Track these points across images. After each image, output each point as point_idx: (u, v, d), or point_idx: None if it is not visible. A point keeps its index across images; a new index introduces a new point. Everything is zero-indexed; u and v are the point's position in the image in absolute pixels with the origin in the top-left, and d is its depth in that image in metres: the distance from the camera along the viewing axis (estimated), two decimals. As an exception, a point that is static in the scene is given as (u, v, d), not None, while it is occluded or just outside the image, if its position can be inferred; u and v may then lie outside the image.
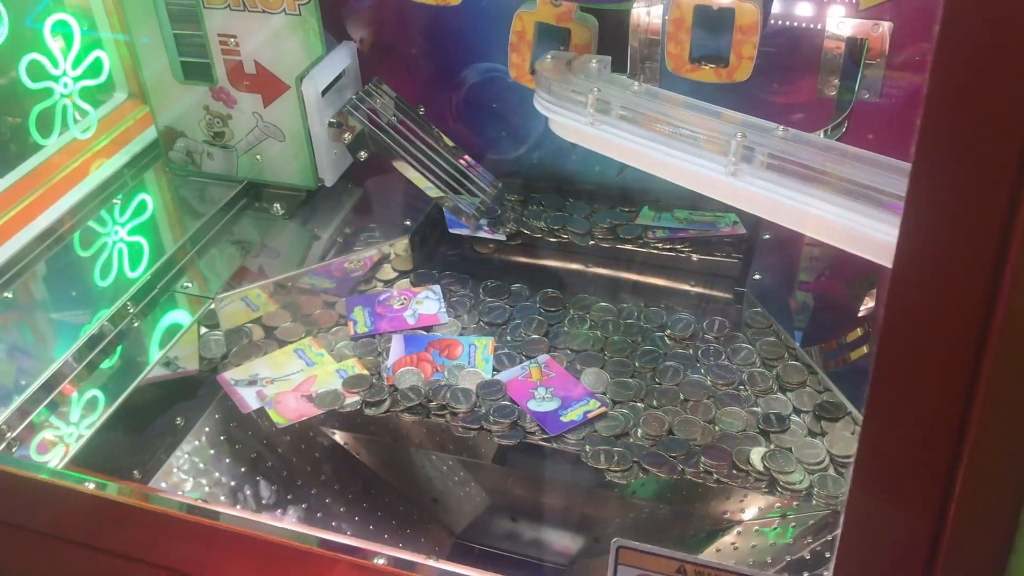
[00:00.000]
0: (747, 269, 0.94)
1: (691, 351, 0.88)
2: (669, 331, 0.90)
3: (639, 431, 0.80)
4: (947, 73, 0.37)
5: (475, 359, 0.85)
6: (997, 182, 0.38)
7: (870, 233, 0.62)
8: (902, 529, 0.46)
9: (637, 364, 0.86)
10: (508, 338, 0.89)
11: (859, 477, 0.46)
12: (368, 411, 0.82)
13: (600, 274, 0.98)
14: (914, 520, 0.45)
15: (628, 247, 0.98)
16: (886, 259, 0.64)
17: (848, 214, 0.62)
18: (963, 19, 0.36)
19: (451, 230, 0.98)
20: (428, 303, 0.92)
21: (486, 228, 0.99)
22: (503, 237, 0.99)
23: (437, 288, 0.94)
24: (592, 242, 0.98)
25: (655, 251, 0.97)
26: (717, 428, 0.80)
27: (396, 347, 0.87)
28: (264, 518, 0.72)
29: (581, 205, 1.02)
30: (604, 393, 0.83)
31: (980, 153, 0.38)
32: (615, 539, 0.52)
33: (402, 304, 0.93)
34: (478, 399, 0.82)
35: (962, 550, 0.46)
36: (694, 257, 0.97)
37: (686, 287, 0.95)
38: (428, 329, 0.90)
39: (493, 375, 0.84)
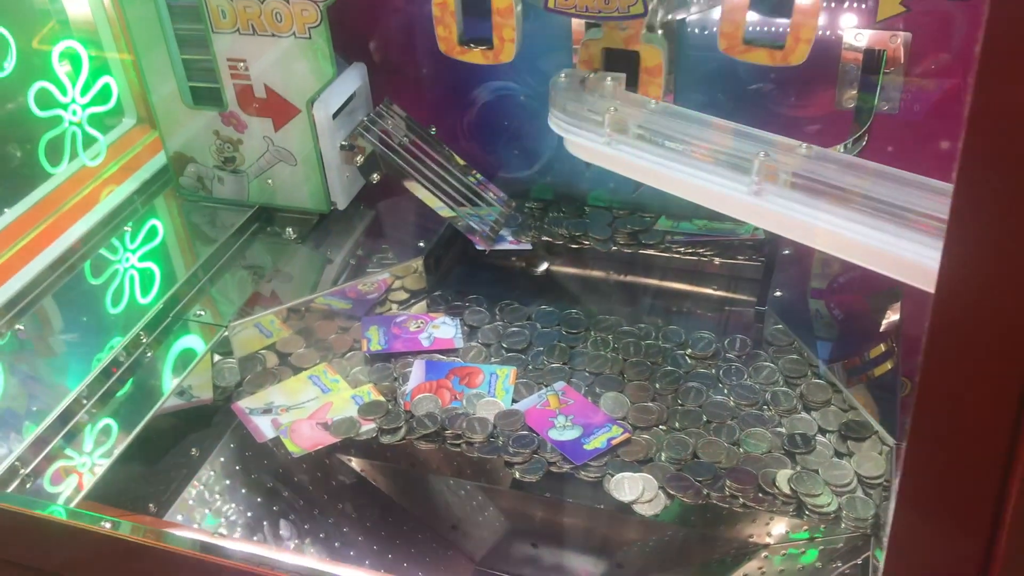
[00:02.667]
0: (767, 284, 0.92)
1: (712, 370, 0.86)
2: (690, 350, 0.88)
3: (663, 455, 0.78)
4: (990, 92, 0.36)
5: (495, 388, 0.84)
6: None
7: (898, 252, 0.60)
8: (950, 555, 0.45)
9: (658, 386, 0.85)
10: (530, 366, 0.88)
11: (904, 502, 0.45)
12: (384, 439, 0.81)
13: (622, 280, 0.98)
14: (963, 546, 0.44)
15: (650, 252, 0.98)
16: (914, 278, 0.63)
17: (875, 233, 0.61)
18: (1007, 33, 0.35)
19: (477, 246, 0.97)
20: (444, 328, 0.91)
21: (510, 239, 0.98)
22: (529, 246, 0.99)
23: (455, 319, 0.93)
24: (614, 247, 0.98)
25: (677, 255, 0.98)
26: (742, 450, 0.79)
27: (417, 372, 0.86)
28: (281, 553, 0.71)
29: (602, 212, 1.02)
30: (624, 418, 0.81)
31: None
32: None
33: (418, 327, 0.92)
34: (495, 429, 0.80)
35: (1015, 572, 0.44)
36: (716, 261, 0.97)
37: (709, 291, 0.95)
38: (445, 354, 0.89)
39: (512, 405, 0.83)
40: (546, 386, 0.85)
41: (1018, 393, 0.40)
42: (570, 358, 0.88)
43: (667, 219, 1.00)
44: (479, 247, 0.96)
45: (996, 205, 0.37)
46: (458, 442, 0.80)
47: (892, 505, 0.69)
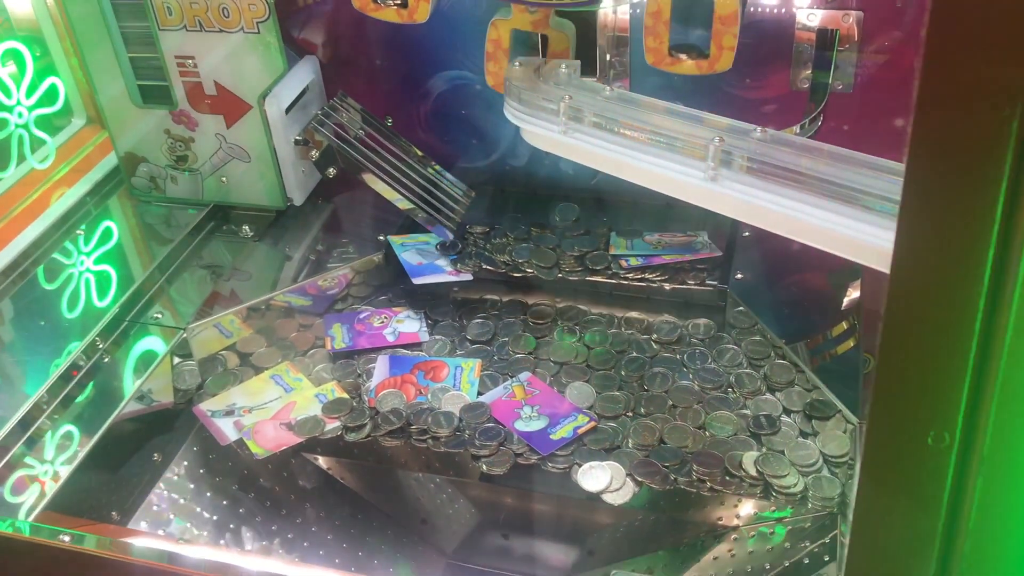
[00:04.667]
0: (727, 274, 0.92)
1: (677, 355, 0.86)
2: (655, 335, 0.88)
3: (629, 442, 0.78)
4: (936, 70, 0.36)
5: (460, 381, 0.83)
6: (991, 180, 0.37)
7: (852, 234, 0.60)
8: (913, 532, 0.45)
9: (623, 373, 0.85)
10: (495, 357, 0.87)
11: (866, 480, 0.45)
12: (348, 436, 0.80)
13: (568, 307, 0.92)
14: (924, 523, 0.44)
15: (597, 279, 0.92)
16: (869, 259, 0.63)
17: (830, 216, 0.61)
18: (953, 15, 0.35)
19: (415, 280, 0.92)
20: (409, 322, 0.90)
21: (448, 270, 0.93)
22: (470, 277, 0.93)
23: (419, 313, 0.92)
24: (559, 275, 0.92)
25: (625, 281, 0.91)
26: (708, 433, 0.79)
27: (381, 368, 0.85)
28: (248, 558, 0.70)
29: (547, 235, 0.96)
30: (591, 407, 0.81)
31: (973, 153, 0.36)
32: (614, 572, 0.50)
33: (382, 322, 0.91)
34: (461, 422, 0.80)
35: (977, 544, 0.45)
36: (667, 287, 0.91)
37: (659, 319, 0.91)
38: (410, 348, 0.88)
39: (478, 397, 0.82)
40: (512, 377, 0.84)
41: (973, 369, 0.40)
42: (535, 348, 0.88)
43: (619, 236, 0.95)
44: (421, 279, 0.93)
45: (946, 185, 0.37)
46: (424, 437, 0.79)
47: (855, 484, 0.70)
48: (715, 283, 0.90)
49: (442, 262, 0.94)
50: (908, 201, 0.38)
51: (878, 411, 0.43)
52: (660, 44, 0.81)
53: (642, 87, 0.87)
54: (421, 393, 0.83)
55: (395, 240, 0.96)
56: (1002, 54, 0.34)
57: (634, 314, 0.91)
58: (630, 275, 0.91)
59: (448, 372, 0.84)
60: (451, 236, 0.96)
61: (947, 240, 0.38)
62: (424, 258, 0.95)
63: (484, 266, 0.94)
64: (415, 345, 0.88)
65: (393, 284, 0.96)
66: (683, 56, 0.82)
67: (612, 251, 0.94)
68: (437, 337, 0.89)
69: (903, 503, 0.45)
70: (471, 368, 0.85)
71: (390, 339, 0.89)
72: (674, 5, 0.80)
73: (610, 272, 0.92)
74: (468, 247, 0.96)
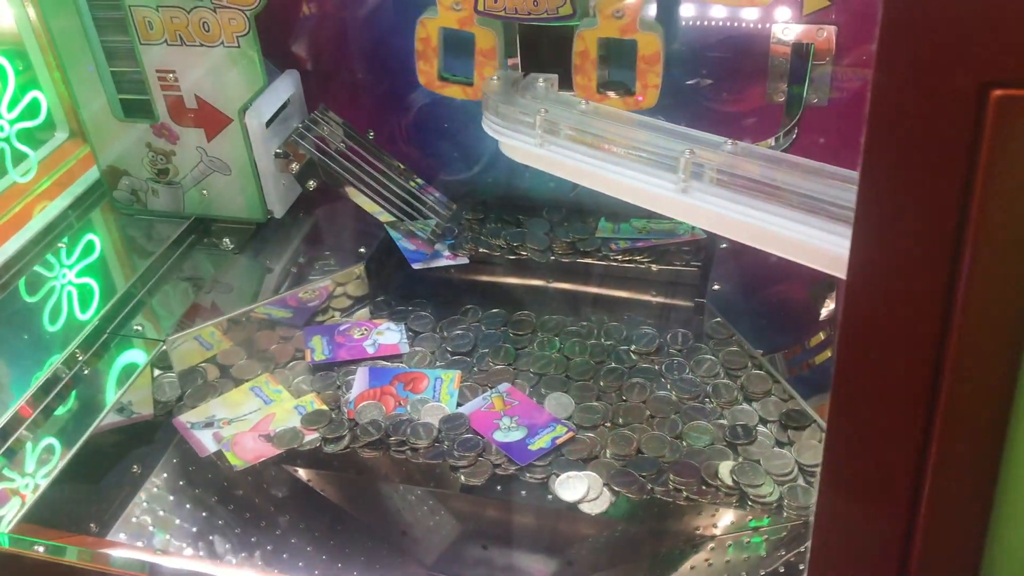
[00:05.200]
0: (706, 279, 0.93)
1: (655, 366, 0.87)
2: (634, 346, 0.89)
3: (607, 452, 0.79)
4: (889, 76, 0.36)
5: (440, 393, 0.84)
6: (946, 187, 0.37)
7: (822, 245, 0.61)
8: (873, 533, 0.46)
9: (602, 384, 0.85)
10: (475, 368, 0.88)
11: (827, 485, 0.46)
12: (327, 448, 0.80)
13: (561, 289, 0.97)
14: (884, 522, 0.45)
15: (588, 260, 0.97)
16: (839, 270, 0.64)
17: (799, 227, 0.62)
18: (904, 20, 0.35)
19: (414, 265, 0.97)
20: (389, 334, 0.91)
21: (446, 254, 0.97)
22: (466, 260, 0.98)
23: (399, 325, 0.92)
24: (552, 257, 0.98)
25: (615, 263, 0.97)
26: (685, 444, 0.80)
27: (360, 380, 0.86)
28: (227, 570, 0.70)
29: (540, 221, 1.02)
30: (570, 418, 0.82)
31: (927, 158, 0.37)
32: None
33: (362, 334, 0.91)
34: (440, 433, 0.80)
35: (935, 548, 0.45)
36: (654, 267, 0.96)
37: (647, 298, 0.95)
38: (390, 360, 0.89)
39: (457, 408, 0.83)
40: (491, 388, 0.85)
41: (929, 374, 0.41)
42: (515, 359, 0.88)
43: (607, 221, 1.00)
44: (420, 264, 0.96)
45: (899, 194, 0.38)
46: (403, 448, 0.80)
47: (815, 491, 0.71)
48: (699, 264, 0.95)
49: (440, 247, 0.97)
50: (863, 207, 0.38)
51: (837, 420, 0.44)
52: (588, 82, 0.86)
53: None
54: (401, 404, 0.83)
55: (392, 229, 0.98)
56: (958, 55, 0.35)
57: (614, 324, 0.91)
58: (619, 257, 0.96)
59: (428, 383, 0.85)
60: (432, 249, 0.97)
61: (903, 246, 0.39)
62: (422, 244, 0.98)
63: (480, 249, 0.98)
64: (395, 357, 0.89)
65: (374, 295, 0.97)
66: (611, 93, 0.87)
67: (600, 234, 0.98)
68: (417, 348, 0.90)
69: (863, 511, 0.45)
70: (451, 379, 0.85)
71: (370, 351, 0.89)
72: (602, 45, 0.84)
73: (600, 254, 0.97)
74: (464, 232, 1.00)
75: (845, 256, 0.61)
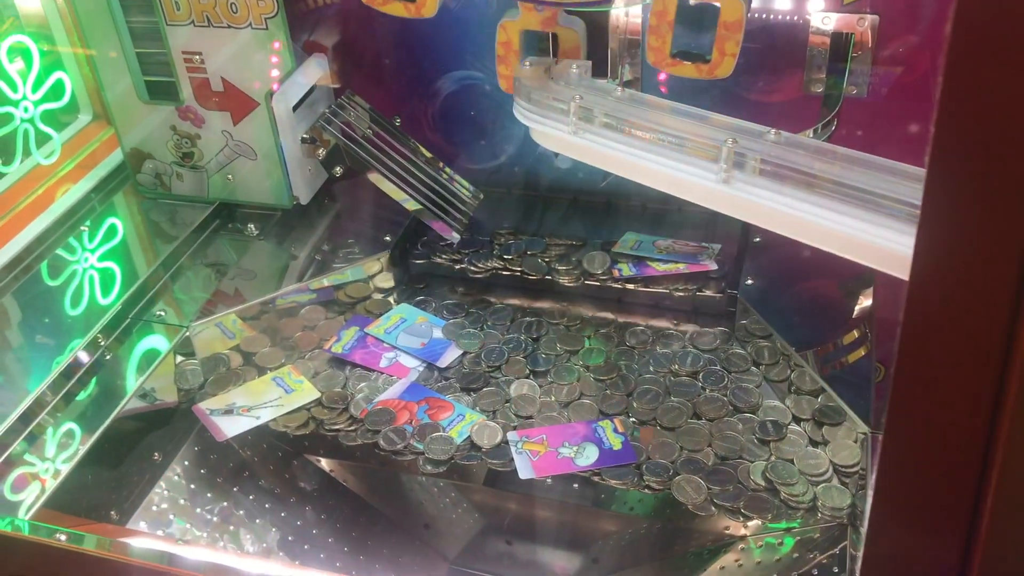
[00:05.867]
0: (738, 277, 0.91)
1: (688, 359, 0.85)
2: (676, 366, 0.86)
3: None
4: (961, 73, 0.34)
5: (454, 425, 0.81)
6: (1017, 184, 0.35)
7: (869, 239, 0.59)
8: (929, 551, 0.44)
9: (635, 406, 0.82)
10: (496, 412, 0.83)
11: (881, 496, 0.44)
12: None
13: (575, 312, 0.93)
14: (942, 542, 0.43)
15: (593, 283, 0.94)
16: (885, 265, 0.62)
17: (847, 220, 0.60)
18: (978, 14, 0.33)
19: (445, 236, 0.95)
20: (406, 359, 0.88)
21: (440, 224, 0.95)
22: (457, 237, 0.95)
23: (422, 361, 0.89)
24: (578, 283, 0.94)
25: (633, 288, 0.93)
26: (718, 443, 0.78)
27: (396, 388, 0.84)
28: (247, 560, 0.69)
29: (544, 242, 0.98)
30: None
31: (997, 155, 0.35)
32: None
33: (387, 346, 0.89)
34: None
35: (996, 565, 0.43)
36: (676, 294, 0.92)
37: (668, 326, 0.91)
38: (437, 374, 0.87)
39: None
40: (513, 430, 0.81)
41: (994, 382, 0.39)
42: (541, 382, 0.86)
43: (632, 235, 0.97)
44: (445, 236, 0.95)
45: (968, 189, 0.36)
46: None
47: (869, 498, 0.69)
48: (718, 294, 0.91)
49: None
50: (929, 204, 0.37)
51: (896, 424, 0.42)
52: (662, 44, 0.81)
53: (651, 90, 0.86)
54: (410, 424, 0.81)
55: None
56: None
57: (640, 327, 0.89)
58: (618, 284, 0.92)
59: (450, 415, 0.82)
60: (458, 237, 0.95)
61: (970, 245, 0.37)
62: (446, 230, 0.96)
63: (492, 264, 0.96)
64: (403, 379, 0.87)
65: (396, 284, 0.95)
66: (684, 59, 0.82)
67: (618, 248, 0.95)
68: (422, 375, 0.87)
69: (920, 520, 0.44)
70: (473, 420, 0.82)
71: (382, 364, 0.87)
72: (679, 7, 0.80)
73: (607, 279, 0.93)
74: (485, 248, 0.98)
75: (894, 250, 0.59)
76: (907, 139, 0.87)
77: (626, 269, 0.92)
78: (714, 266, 0.92)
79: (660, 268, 0.92)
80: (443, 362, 0.87)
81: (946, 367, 0.40)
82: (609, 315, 0.92)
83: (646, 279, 0.92)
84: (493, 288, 0.97)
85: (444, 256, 0.98)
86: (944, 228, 0.37)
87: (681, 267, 0.92)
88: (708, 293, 0.91)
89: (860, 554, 0.46)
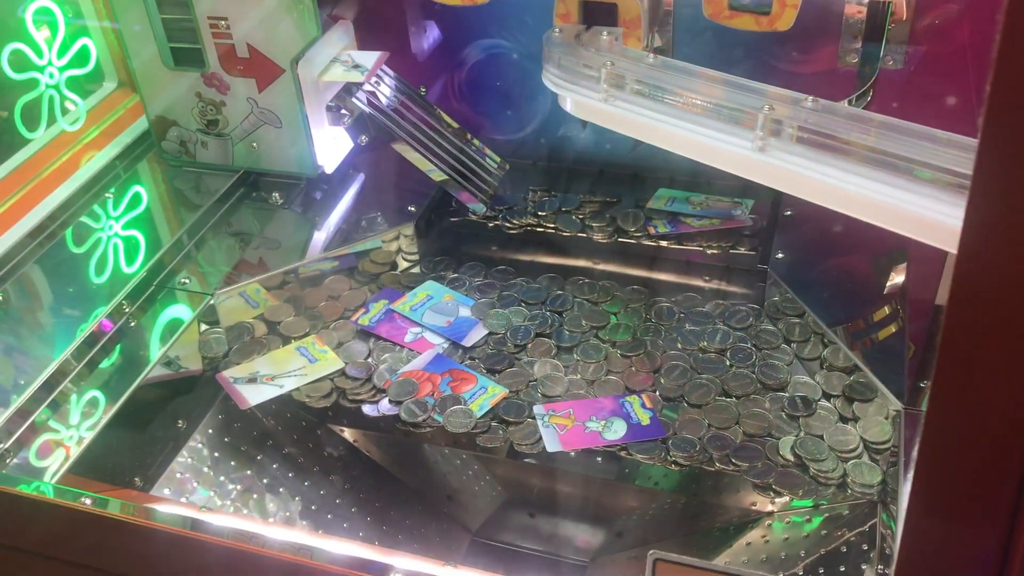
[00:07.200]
0: (768, 248, 0.90)
1: (717, 336, 0.84)
2: (704, 343, 0.85)
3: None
4: (1019, 35, 0.33)
5: (476, 398, 0.80)
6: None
7: (912, 209, 0.57)
8: (968, 546, 0.43)
9: (663, 382, 0.81)
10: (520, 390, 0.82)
11: (919, 490, 0.43)
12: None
13: (609, 270, 0.93)
14: (982, 536, 0.42)
15: (628, 240, 0.94)
16: (929, 236, 0.60)
17: (887, 189, 0.58)
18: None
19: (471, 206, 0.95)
20: (431, 336, 0.87)
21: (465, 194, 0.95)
22: (482, 208, 0.95)
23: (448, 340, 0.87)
24: (612, 240, 0.94)
25: (668, 244, 0.93)
26: (745, 417, 0.77)
27: (421, 360, 0.83)
28: (270, 528, 0.68)
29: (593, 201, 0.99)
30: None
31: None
32: (652, 552, 0.48)
33: (413, 322, 0.88)
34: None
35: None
36: (708, 251, 0.92)
37: (701, 283, 0.91)
38: (461, 350, 0.85)
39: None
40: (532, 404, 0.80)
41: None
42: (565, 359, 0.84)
43: (665, 190, 0.97)
44: (471, 207, 0.94)
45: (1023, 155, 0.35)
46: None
47: (902, 478, 0.68)
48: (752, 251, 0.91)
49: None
50: (981, 172, 0.35)
51: (938, 403, 0.40)
52: None
53: (684, 59, 0.84)
54: (432, 396, 0.80)
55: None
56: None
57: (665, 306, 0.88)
58: (652, 241, 0.92)
59: (472, 388, 0.81)
60: (483, 208, 0.94)
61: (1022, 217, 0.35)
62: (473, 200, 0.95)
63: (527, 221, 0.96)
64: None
65: (421, 256, 0.94)
66: (743, 10, 0.80)
67: (651, 205, 0.95)
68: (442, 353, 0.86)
69: (961, 508, 0.42)
70: (495, 393, 0.81)
71: (407, 339, 0.86)
72: None
73: (641, 235, 0.93)
74: (520, 204, 0.99)
75: (937, 220, 0.58)
76: (944, 112, 0.85)
77: (661, 226, 0.92)
78: (749, 221, 0.92)
79: (695, 224, 0.92)
80: (468, 341, 0.86)
81: (993, 343, 0.38)
82: (641, 272, 0.92)
83: (680, 236, 0.91)
84: (526, 246, 0.97)
85: (478, 214, 0.97)
86: (996, 198, 0.35)
87: (716, 223, 0.92)
88: (741, 251, 0.91)
89: (896, 536, 0.44)
